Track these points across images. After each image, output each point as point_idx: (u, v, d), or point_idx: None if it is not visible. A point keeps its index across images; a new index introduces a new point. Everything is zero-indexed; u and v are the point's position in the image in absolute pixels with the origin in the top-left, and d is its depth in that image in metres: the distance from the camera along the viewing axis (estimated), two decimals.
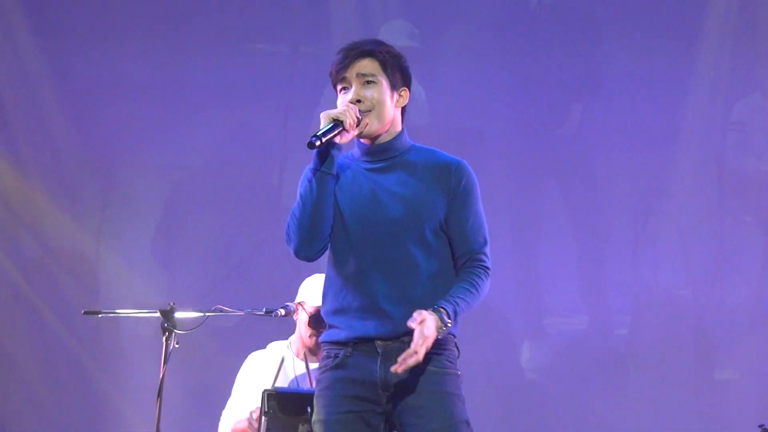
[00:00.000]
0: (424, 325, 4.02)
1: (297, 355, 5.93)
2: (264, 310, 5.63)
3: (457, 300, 4.14)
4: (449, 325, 4.08)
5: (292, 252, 4.28)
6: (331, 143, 4.12)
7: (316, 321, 5.80)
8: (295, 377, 5.87)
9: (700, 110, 8.40)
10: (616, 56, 8.42)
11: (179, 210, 8.44)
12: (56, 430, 8.15)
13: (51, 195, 8.34)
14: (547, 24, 8.46)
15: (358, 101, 4.20)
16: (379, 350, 4.14)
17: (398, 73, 4.28)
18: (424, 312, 4.05)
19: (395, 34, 8.53)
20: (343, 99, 4.23)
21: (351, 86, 4.24)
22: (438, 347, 4.12)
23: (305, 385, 5.81)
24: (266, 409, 5.23)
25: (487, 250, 4.28)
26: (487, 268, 4.25)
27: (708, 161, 8.44)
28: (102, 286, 8.30)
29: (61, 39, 8.37)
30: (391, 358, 4.07)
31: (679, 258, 8.41)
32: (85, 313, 5.69)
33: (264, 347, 6.01)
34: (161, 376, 5.25)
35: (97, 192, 8.38)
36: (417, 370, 4.08)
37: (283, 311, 5.65)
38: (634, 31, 8.43)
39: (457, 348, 4.23)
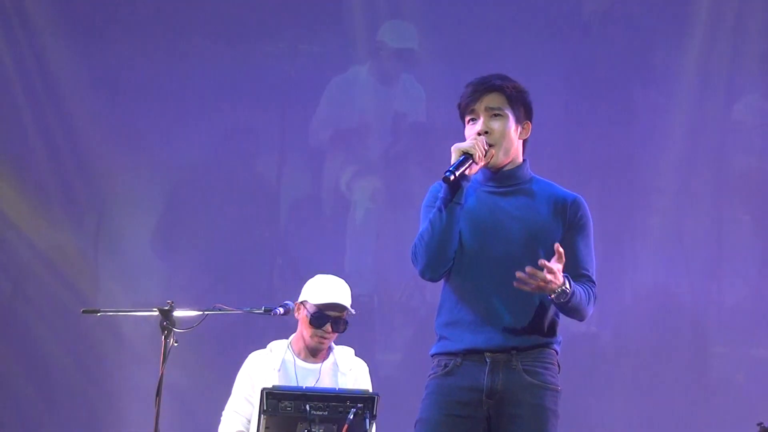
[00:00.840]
0: (558, 270, 4.27)
1: (298, 355, 5.93)
2: (263, 308, 5.63)
3: (578, 289, 4.37)
4: (566, 291, 4.31)
5: (417, 272, 4.51)
6: (461, 175, 4.39)
7: (317, 320, 5.81)
8: (296, 377, 5.87)
9: (699, 109, 8.41)
10: (610, 55, 8.43)
11: (178, 209, 8.43)
12: (55, 430, 8.15)
13: (49, 194, 8.33)
14: (552, 21, 8.47)
15: (486, 132, 4.47)
16: (488, 360, 4.41)
17: (522, 108, 4.55)
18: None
19: (395, 34, 8.54)
20: (471, 130, 4.50)
21: (479, 118, 4.50)
22: (543, 361, 4.44)
23: (305, 385, 5.80)
24: (265, 408, 5.22)
25: (595, 280, 4.53)
26: (596, 295, 4.50)
27: (706, 160, 8.44)
28: (101, 285, 8.30)
29: (59, 38, 8.37)
30: (499, 367, 4.40)
31: (677, 257, 8.41)
32: (83, 312, 5.69)
33: (264, 346, 5.99)
34: (160, 375, 5.25)
35: (96, 191, 8.38)
36: (521, 383, 4.41)
37: (282, 310, 5.64)
38: (632, 31, 8.43)
39: (559, 365, 4.50)
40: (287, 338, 6.00)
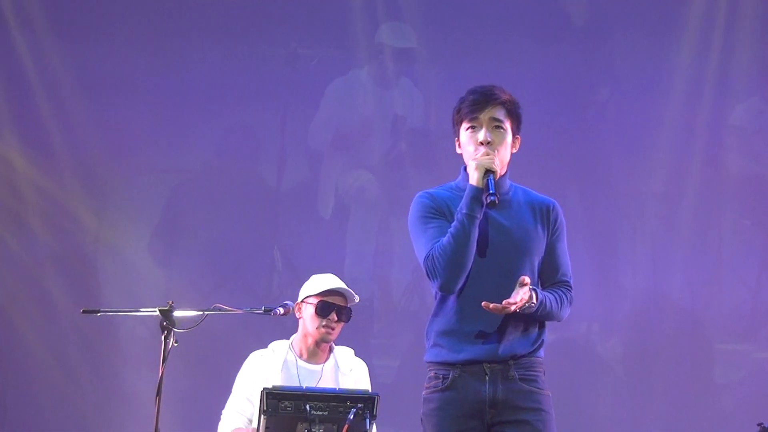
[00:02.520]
0: (524, 292, 4.46)
1: (300, 356, 5.92)
2: (263, 308, 5.63)
3: (548, 297, 4.59)
4: (532, 306, 4.50)
5: (437, 286, 4.57)
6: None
7: (323, 309, 5.84)
8: (298, 377, 5.86)
9: (699, 114, 8.42)
10: (614, 60, 8.44)
11: (178, 211, 8.44)
12: (55, 430, 8.14)
13: (50, 195, 8.34)
14: (549, 25, 8.48)
15: (489, 143, 4.59)
16: (488, 372, 4.56)
17: (517, 122, 4.69)
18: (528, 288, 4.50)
19: (394, 36, 8.55)
20: (471, 138, 4.62)
21: (481, 128, 4.61)
22: (534, 369, 4.62)
23: (306, 385, 5.79)
24: (265, 408, 5.21)
25: (572, 283, 4.74)
26: (572, 297, 4.69)
27: (707, 164, 8.45)
28: (101, 286, 8.30)
29: (60, 39, 8.37)
30: (498, 378, 4.55)
31: (677, 262, 8.42)
32: (83, 311, 5.68)
33: (264, 346, 5.99)
34: (160, 375, 5.24)
35: (97, 192, 8.38)
36: (520, 390, 4.56)
37: (282, 310, 5.63)
38: (632, 35, 8.44)
39: (544, 371, 4.69)
40: (288, 339, 6.00)
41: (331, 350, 5.98)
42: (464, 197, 4.55)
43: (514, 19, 8.48)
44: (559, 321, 4.69)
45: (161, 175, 8.44)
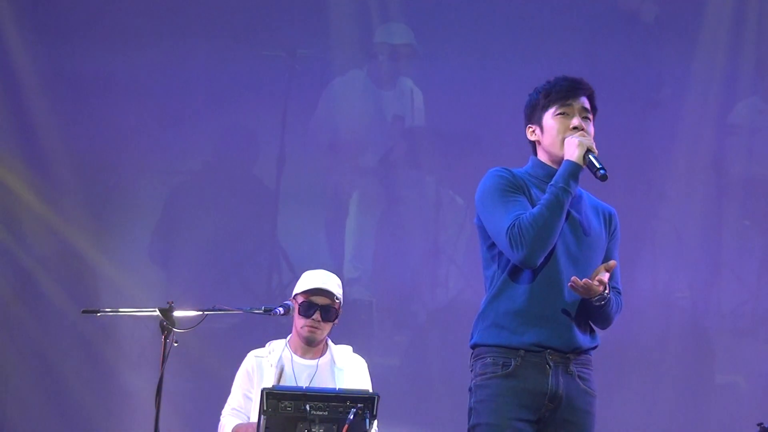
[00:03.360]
0: (604, 278, 4.42)
1: (295, 352, 5.93)
2: (263, 308, 5.64)
3: (612, 297, 4.50)
4: (604, 297, 4.43)
5: (517, 259, 4.43)
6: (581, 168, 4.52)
7: (306, 309, 5.83)
8: (293, 373, 5.87)
9: (698, 113, 8.41)
10: (613, 58, 8.43)
11: (177, 212, 8.44)
12: (55, 430, 8.15)
13: (50, 196, 8.35)
14: (547, 26, 8.48)
15: (582, 130, 4.55)
16: (550, 364, 4.45)
17: (595, 115, 4.64)
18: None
19: (391, 37, 8.55)
20: (563, 122, 4.55)
21: (572, 114, 4.56)
22: (589, 367, 4.57)
23: (304, 383, 5.80)
24: (265, 408, 5.22)
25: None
26: (622, 306, 4.62)
27: (706, 165, 8.45)
28: (101, 288, 8.30)
29: (61, 41, 8.38)
30: (560, 372, 4.45)
31: (677, 262, 8.42)
32: (83, 312, 5.69)
33: (263, 346, 6.00)
34: (160, 375, 5.25)
35: (97, 193, 8.39)
36: (577, 388, 4.49)
37: (282, 310, 5.66)
38: (633, 34, 8.45)
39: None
40: (286, 338, 6.01)
41: (327, 346, 5.98)
42: (560, 172, 4.45)
43: (516, 16, 8.48)
44: (605, 327, 4.58)
45: (161, 175, 8.45)
